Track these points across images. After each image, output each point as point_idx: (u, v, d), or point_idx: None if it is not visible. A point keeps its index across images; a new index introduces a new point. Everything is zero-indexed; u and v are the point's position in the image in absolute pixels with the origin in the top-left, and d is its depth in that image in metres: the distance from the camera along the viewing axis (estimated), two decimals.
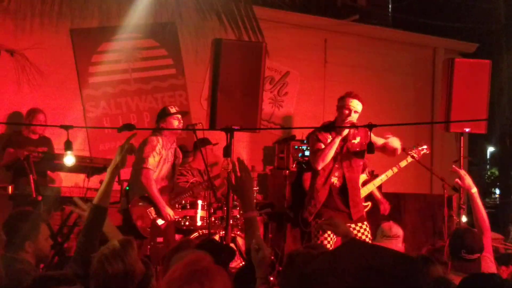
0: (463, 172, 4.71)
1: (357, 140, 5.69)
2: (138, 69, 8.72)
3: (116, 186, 6.92)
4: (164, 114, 6.50)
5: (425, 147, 6.54)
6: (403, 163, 6.42)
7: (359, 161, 5.74)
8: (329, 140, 5.56)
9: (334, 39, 10.08)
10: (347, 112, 5.52)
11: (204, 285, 2.22)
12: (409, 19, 12.36)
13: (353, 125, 5.43)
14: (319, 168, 5.56)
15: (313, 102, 9.86)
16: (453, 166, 5.09)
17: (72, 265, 3.22)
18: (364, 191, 6.33)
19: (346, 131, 5.54)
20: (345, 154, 5.65)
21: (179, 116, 6.53)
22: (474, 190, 4.56)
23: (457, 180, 4.72)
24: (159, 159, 6.34)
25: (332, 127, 5.64)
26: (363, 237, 5.56)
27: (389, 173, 6.49)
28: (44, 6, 6.76)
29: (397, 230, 5.03)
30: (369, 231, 5.61)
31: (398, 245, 5.01)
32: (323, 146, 5.56)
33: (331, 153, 5.52)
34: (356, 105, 5.54)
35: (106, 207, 3.45)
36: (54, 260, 5.05)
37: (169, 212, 6.36)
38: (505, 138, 15.96)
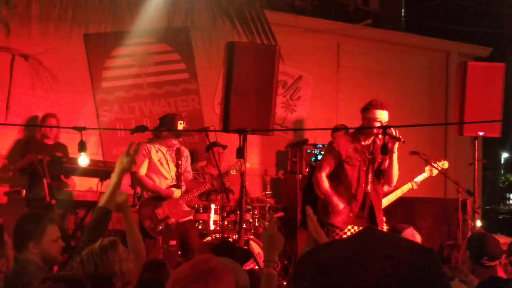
0: None
1: None
2: (151, 74, 8.74)
3: (130, 191, 7.00)
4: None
5: (444, 162, 6.48)
6: (419, 178, 6.42)
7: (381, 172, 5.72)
8: (350, 148, 5.54)
9: (347, 43, 10.07)
10: (378, 125, 5.43)
11: (209, 285, 2.21)
12: (422, 23, 12.31)
13: (368, 127, 5.40)
14: None
15: (326, 106, 9.84)
16: None
17: (72, 265, 3.23)
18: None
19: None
20: (372, 164, 5.62)
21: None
22: None
23: None
24: (154, 161, 6.48)
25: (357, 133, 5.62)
26: None
27: (405, 188, 6.46)
28: (58, 11, 6.79)
29: (419, 238, 4.94)
30: None
31: None
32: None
33: None
34: (386, 116, 5.47)
35: (111, 209, 3.51)
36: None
37: (170, 191, 6.42)
38: None
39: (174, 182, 6.59)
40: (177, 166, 6.60)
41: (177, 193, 6.49)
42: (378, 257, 1.31)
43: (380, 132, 5.33)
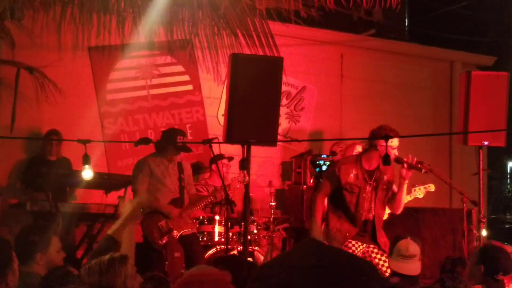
0: None
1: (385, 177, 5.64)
2: (155, 86, 8.77)
3: None
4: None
5: (430, 185, 6.50)
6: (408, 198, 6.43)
7: (385, 198, 5.71)
8: (351, 174, 5.54)
9: (350, 54, 10.07)
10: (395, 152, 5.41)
11: None
12: (426, 33, 12.32)
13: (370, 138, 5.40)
14: None
15: (330, 117, 9.83)
16: None
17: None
18: None
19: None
20: (375, 191, 5.61)
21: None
22: None
23: None
24: (157, 174, 6.47)
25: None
26: (383, 259, 5.53)
27: None
28: (63, 24, 6.82)
29: (414, 249, 4.80)
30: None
31: (414, 263, 4.82)
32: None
33: None
34: (397, 142, 5.45)
35: (120, 241, 3.52)
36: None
37: (170, 209, 6.40)
38: None
39: (178, 195, 6.59)
40: (180, 179, 6.59)
41: (175, 212, 6.46)
42: (316, 266, 1.37)
43: (395, 160, 5.34)
